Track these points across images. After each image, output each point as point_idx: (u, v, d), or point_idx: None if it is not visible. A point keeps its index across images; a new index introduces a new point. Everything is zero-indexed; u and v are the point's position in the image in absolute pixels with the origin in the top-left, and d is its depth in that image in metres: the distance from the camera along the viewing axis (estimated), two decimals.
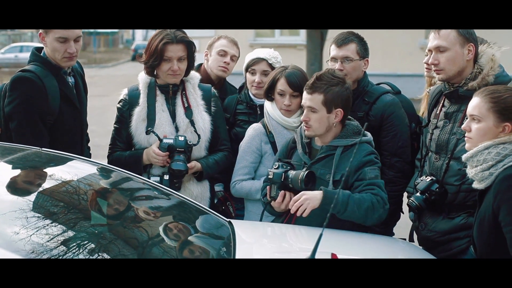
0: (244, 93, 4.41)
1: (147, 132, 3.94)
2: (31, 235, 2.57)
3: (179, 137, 3.88)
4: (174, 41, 3.88)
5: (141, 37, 73.36)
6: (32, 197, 3.01)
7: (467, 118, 3.18)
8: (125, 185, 3.64)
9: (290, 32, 18.96)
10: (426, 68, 4.00)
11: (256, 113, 4.33)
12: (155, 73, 4.01)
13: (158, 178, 3.91)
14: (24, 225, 2.63)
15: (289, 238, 3.51)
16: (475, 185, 3.08)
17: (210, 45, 4.69)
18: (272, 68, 4.29)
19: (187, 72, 4.03)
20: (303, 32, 16.92)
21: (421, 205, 3.56)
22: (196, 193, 4.02)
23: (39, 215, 2.82)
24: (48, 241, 2.61)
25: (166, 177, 3.91)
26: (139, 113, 3.99)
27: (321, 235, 2.31)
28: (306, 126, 3.59)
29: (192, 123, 3.98)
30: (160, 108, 4.00)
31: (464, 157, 3.13)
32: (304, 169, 3.53)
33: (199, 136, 3.97)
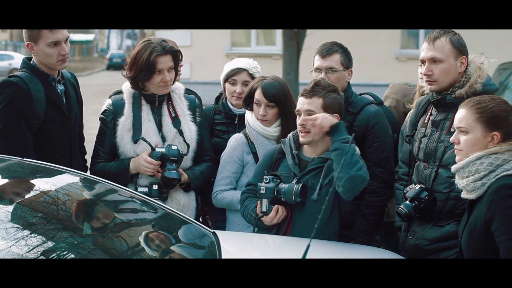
0: (222, 103, 4.36)
1: (136, 141, 3.89)
2: (10, 246, 2.54)
3: (172, 146, 3.85)
4: (163, 53, 3.86)
5: (115, 46, 73.11)
6: (12, 208, 2.97)
7: (454, 130, 3.19)
8: (107, 195, 3.58)
9: (266, 41, 18.99)
10: (421, 78, 3.99)
11: (234, 123, 4.30)
12: (140, 85, 3.97)
13: (146, 189, 3.87)
14: (3, 236, 2.60)
15: (275, 249, 3.47)
16: (464, 195, 3.08)
17: None
18: (253, 78, 4.27)
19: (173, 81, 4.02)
20: (279, 42, 16.96)
21: (411, 212, 3.56)
22: (183, 202, 3.97)
23: (18, 226, 2.79)
24: (26, 252, 2.57)
25: (155, 187, 3.87)
26: (124, 122, 3.95)
27: (308, 246, 2.29)
28: (303, 132, 3.55)
29: (181, 132, 3.96)
30: (146, 118, 3.96)
31: (453, 168, 3.13)
32: (295, 182, 3.52)
33: (188, 145, 3.95)
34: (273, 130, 3.99)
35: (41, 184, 3.41)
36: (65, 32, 3.99)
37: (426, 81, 3.64)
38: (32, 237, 2.72)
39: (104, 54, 65.87)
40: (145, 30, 59.49)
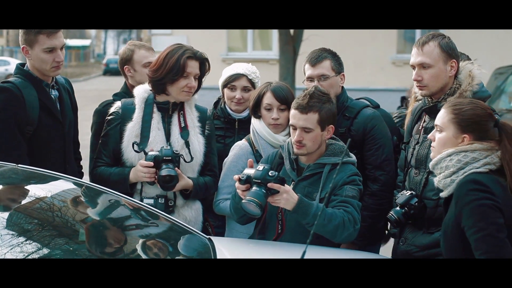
0: (220, 108, 4.33)
1: (133, 145, 3.78)
2: (5, 253, 2.53)
3: (164, 147, 3.73)
4: (194, 57, 3.80)
5: (112, 51, 73.09)
6: (6, 214, 2.96)
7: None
8: (101, 201, 3.57)
9: (262, 46, 19.01)
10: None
11: (234, 128, 4.27)
12: (163, 89, 3.85)
13: (152, 201, 3.77)
14: None
15: (271, 255, 3.42)
16: (441, 194, 3.14)
17: (126, 60, 4.47)
18: (252, 83, 4.25)
19: (195, 91, 3.93)
20: (275, 47, 16.98)
21: (400, 218, 3.56)
22: (190, 217, 3.86)
23: (13, 232, 2.78)
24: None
25: (161, 200, 3.77)
26: (131, 128, 3.83)
27: (304, 252, 2.29)
28: (298, 145, 3.52)
29: (187, 144, 3.85)
30: (155, 126, 3.84)
31: (430, 165, 3.19)
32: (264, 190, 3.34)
33: (192, 158, 3.84)
34: (282, 138, 3.92)
35: (35, 190, 3.39)
36: (61, 39, 3.96)
37: (417, 86, 3.65)
38: (27, 243, 2.71)
39: (100, 59, 65.87)
40: (142, 35, 59.50)
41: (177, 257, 3.21)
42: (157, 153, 3.72)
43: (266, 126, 3.96)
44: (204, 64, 3.89)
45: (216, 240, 3.35)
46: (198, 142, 3.89)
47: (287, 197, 3.28)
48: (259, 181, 3.28)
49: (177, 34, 18.28)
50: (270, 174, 3.28)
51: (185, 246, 3.37)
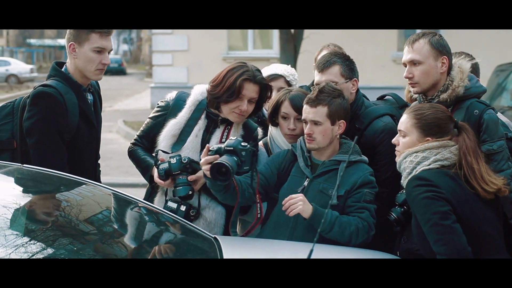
0: None
1: (154, 153, 3.76)
2: (10, 253, 2.54)
3: (172, 160, 3.66)
4: (253, 81, 3.68)
5: (112, 51, 72.83)
6: (10, 215, 2.93)
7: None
8: (109, 202, 3.56)
9: (263, 45, 18.99)
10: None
11: (266, 128, 4.13)
12: (218, 106, 3.79)
13: (174, 206, 3.71)
14: (2, 243, 2.60)
15: (279, 254, 3.41)
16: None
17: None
18: (289, 85, 4.20)
19: (251, 115, 3.85)
20: (276, 45, 16.97)
21: (399, 218, 3.56)
22: (210, 219, 3.79)
23: (18, 233, 2.78)
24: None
25: (183, 208, 3.71)
26: (172, 126, 3.79)
27: (311, 251, 2.29)
28: (309, 139, 3.57)
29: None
30: (195, 133, 3.78)
31: (397, 168, 3.36)
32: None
33: None
34: None
35: (41, 191, 3.41)
36: (111, 43, 3.91)
37: (409, 83, 3.68)
38: (31, 244, 2.72)
39: None
40: (142, 35, 59.42)
41: (181, 256, 3.20)
42: (166, 166, 3.67)
43: (282, 135, 3.91)
44: (265, 89, 3.77)
45: (221, 239, 3.35)
46: None
47: (303, 205, 3.37)
48: (231, 148, 3.35)
49: (177, 33, 18.29)
50: (242, 144, 3.36)
51: (190, 245, 3.37)
